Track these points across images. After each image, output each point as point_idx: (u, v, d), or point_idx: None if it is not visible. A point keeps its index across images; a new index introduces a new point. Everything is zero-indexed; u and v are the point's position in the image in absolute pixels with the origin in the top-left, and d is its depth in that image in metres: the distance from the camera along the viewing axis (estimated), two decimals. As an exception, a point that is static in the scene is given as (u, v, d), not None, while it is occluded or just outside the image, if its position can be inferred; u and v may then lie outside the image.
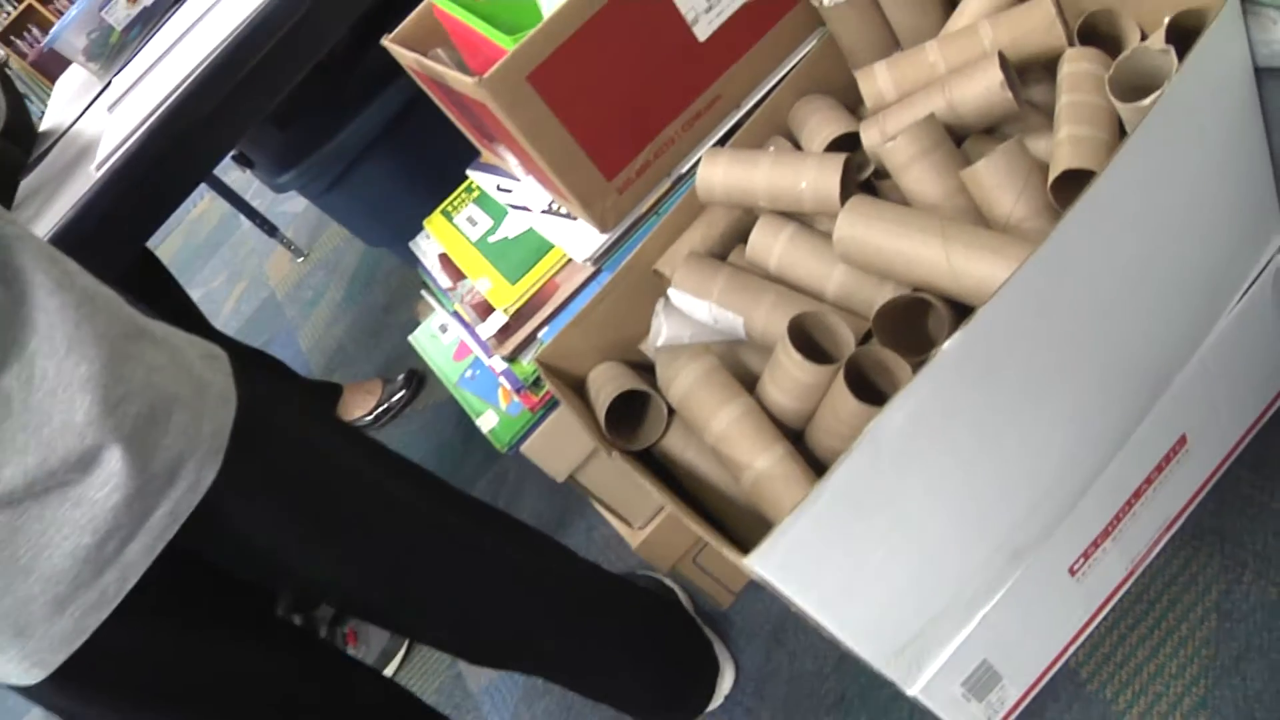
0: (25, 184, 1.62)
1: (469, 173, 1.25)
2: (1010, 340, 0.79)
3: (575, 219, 1.06)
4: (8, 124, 2.03)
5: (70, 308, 0.78)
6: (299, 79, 1.21)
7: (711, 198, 0.96)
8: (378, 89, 1.52)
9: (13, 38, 6.51)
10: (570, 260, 1.06)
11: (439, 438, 2.00)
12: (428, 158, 1.56)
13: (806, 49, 1.04)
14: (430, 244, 1.26)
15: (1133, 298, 0.88)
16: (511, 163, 1.13)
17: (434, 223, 1.25)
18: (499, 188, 1.18)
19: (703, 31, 0.97)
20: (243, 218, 2.99)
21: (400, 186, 1.61)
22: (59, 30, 1.93)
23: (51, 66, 5.32)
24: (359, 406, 2.14)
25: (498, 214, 1.18)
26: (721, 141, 1.03)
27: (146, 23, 1.92)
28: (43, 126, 2.11)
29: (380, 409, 2.12)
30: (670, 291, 0.96)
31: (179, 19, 1.63)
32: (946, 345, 0.74)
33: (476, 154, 1.27)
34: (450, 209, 1.25)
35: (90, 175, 1.16)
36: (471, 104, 0.98)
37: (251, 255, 3.34)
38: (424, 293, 1.30)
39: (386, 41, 1.11)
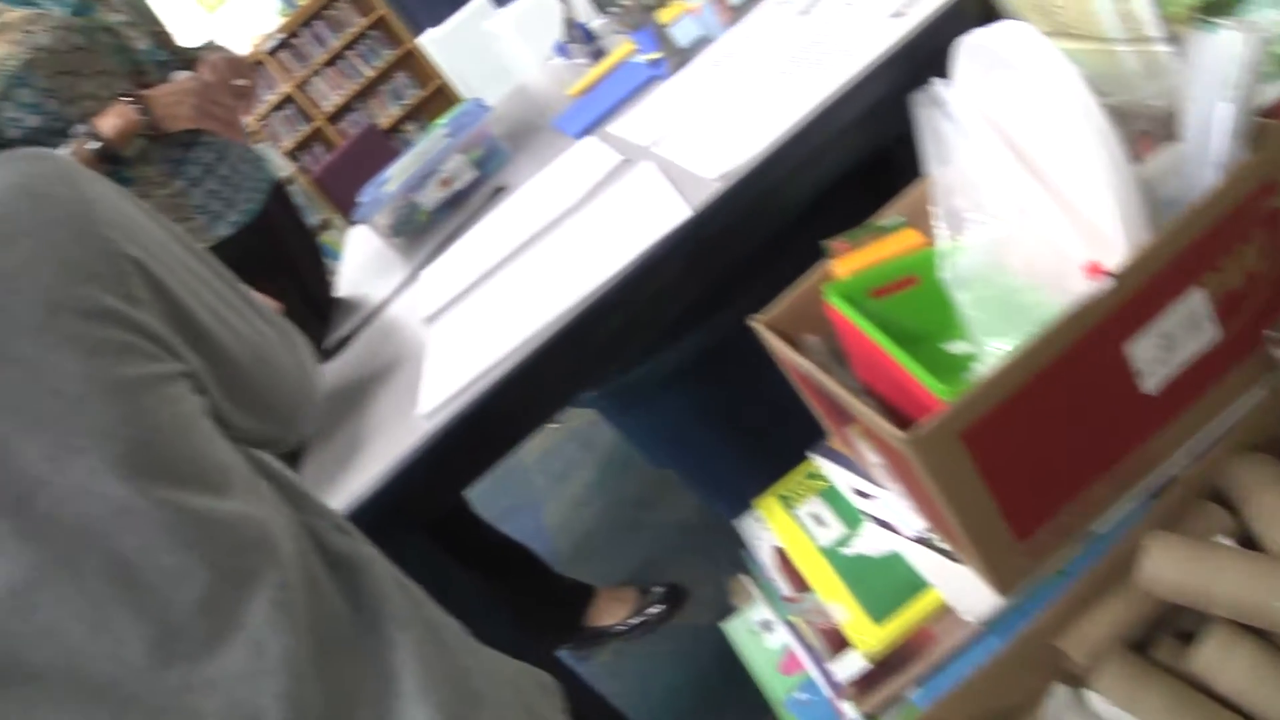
0: (334, 378, 1.60)
1: (814, 458, 1.13)
2: None
3: (959, 560, 0.91)
4: (308, 285, 2.05)
5: (419, 644, 0.70)
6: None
7: (1155, 590, 0.80)
8: (697, 320, 1.43)
9: (298, 153, 6.99)
10: (948, 607, 0.91)
11: (696, 667, 1.86)
12: (738, 398, 1.45)
13: (1250, 400, 0.88)
14: (763, 531, 1.13)
15: None
16: (870, 460, 1.00)
17: (769, 509, 1.13)
18: (856, 490, 1.05)
19: (1151, 384, 0.82)
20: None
21: (701, 422, 1.51)
22: (366, 211, 1.94)
23: (332, 186, 5.61)
24: (611, 614, 2.02)
25: (851, 519, 1.05)
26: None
27: (455, 204, 1.91)
28: (340, 289, 2.13)
29: (635, 622, 2.00)
30: (1091, 696, 0.80)
31: (501, 219, 1.60)
32: None
33: (796, 409, 1.15)
34: (790, 496, 1.12)
35: (418, 424, 1.09)
36: (881, 445, 0.85)
37: (501, 408, 3.33)
38: (744, 577, 1.17)
39: (756, 323, 1.00)
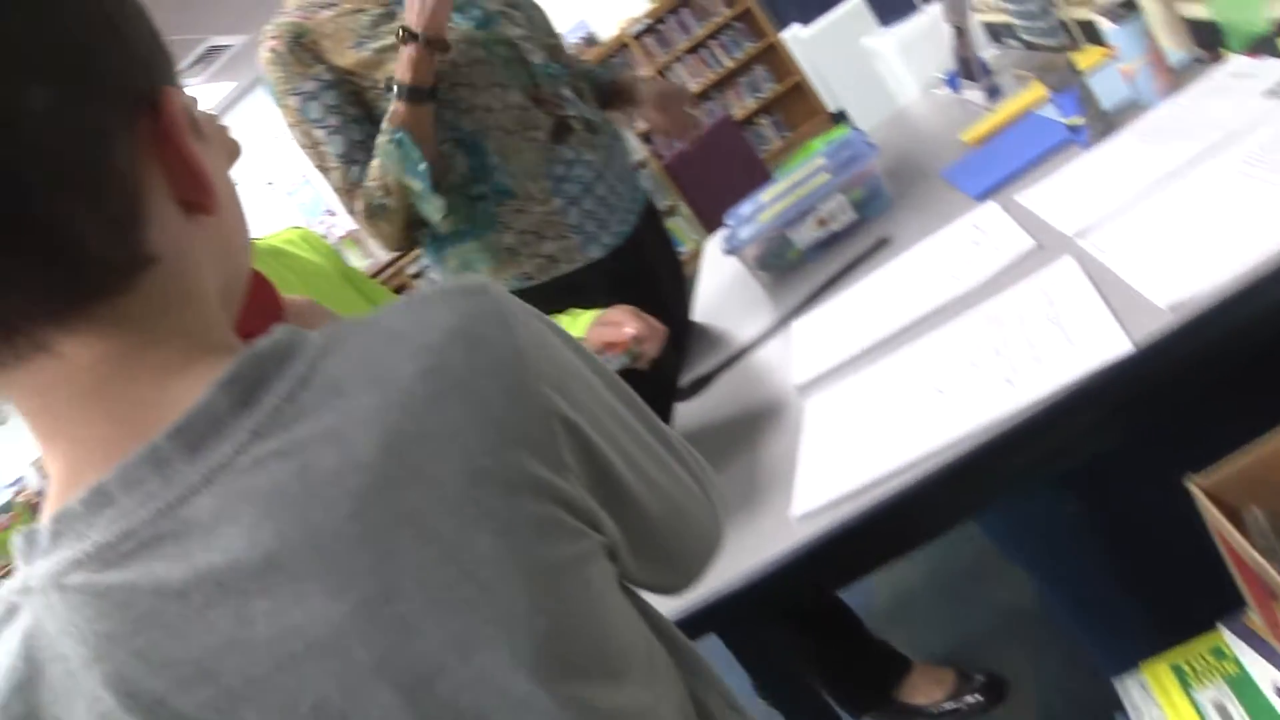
0: (690, 423, 1.56)
1: (1224, 633, 0.98)
2: None
3: None
4: (669, 309, 2.04)
5: None
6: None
7: None
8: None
9: (652, 137, 7.14)
10: None
11: (1007, 774, 1.73)
12: (1130, 521, 1.31)
13: None
14: (1149, 704, 1.00)
15: None
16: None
17: (1160, 680, 1.00)
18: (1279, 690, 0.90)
19: None
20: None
21: (1078, 534, 1.37)
22: (738, 243, 1.90)
23: (682, 174, 5.70)
24: (923, 694, 1.91)
25: (1269, 721, 0.90)
26: None
27: (829, 245, 1.85)
28: (696, 311, 2.11)
29: (949, 708, 1.88)
30: None
31: (885, 282, 1.52)
32: None
33: (1205, 557, 1.00)
34: (1188, 671, 0.98)
35: (789, 523, 1.03)
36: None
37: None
38: (1117, 740, 1.05)
39: (1193, 487, 0.87)
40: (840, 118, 6.75)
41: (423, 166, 1.58)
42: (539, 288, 1.78)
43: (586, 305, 1.56)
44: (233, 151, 1.40)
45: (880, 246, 1.65)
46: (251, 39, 7.33)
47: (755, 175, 6.80)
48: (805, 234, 1.84)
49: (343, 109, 1.63)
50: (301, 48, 1.62)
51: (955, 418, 0.99)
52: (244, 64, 7.92)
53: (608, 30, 7.86)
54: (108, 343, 0.53)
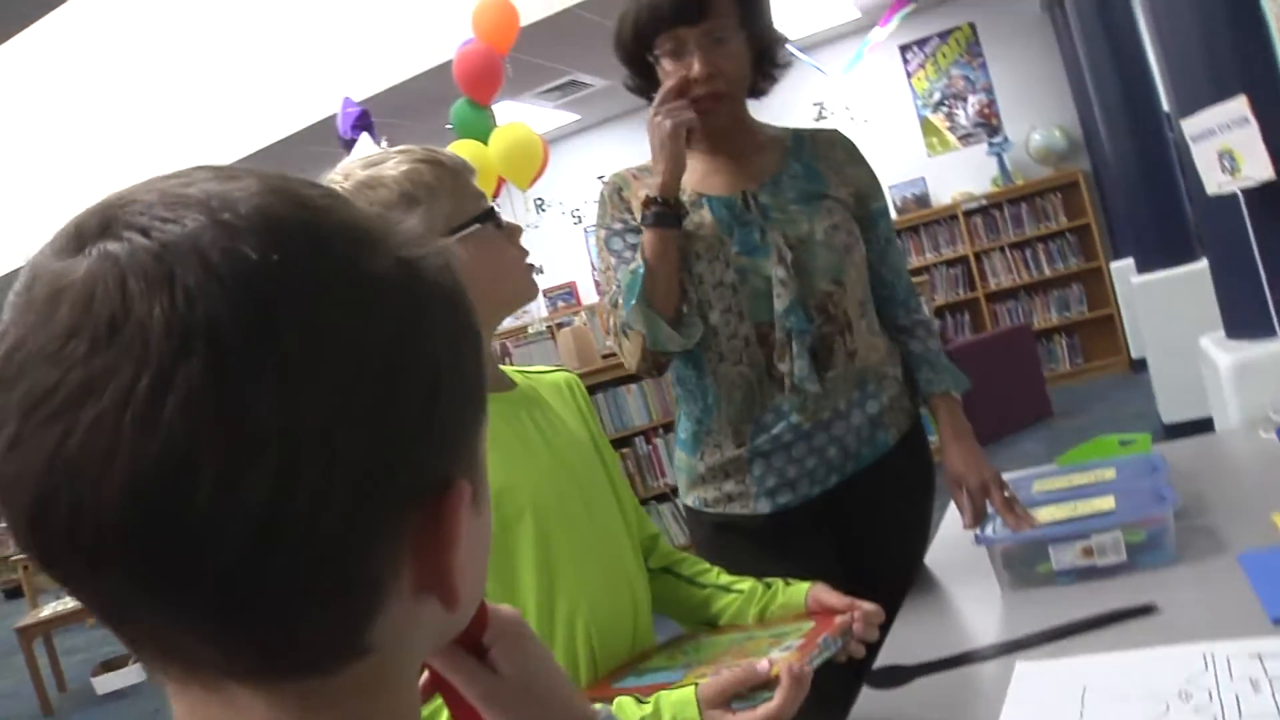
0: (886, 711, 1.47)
1: None
2: None
3: None
4: (890, 549, 1.93)
5: None
6: None
7: None
8: None
9: (944, 313, 6.99)
10: None
11: None
12: None
13: None
14: None
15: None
16: None
17: None
18: None
19: None
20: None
21: None
22: (990, 535, 1.79)
23: (958, 362, 5.55)
24: None
25: None
26: None
27: (1085, 578, 1.70)
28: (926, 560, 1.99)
29: None
30: None
31: (1139, 671, 1.38)
32: None
33: None
34: None
35: None
36: None
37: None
38: None
39: None
40: (1140, 366, 6.42)
41: (634, 302, 1.65)
42: (714, 518, 1.85)
43: (761, 551, 1.69)
44: (527, 296, 1.40)
45: (1142, 614, 1.50)
46: (610, 85, 7.68)
47: (1032, 390, 6.55)
48: (1065, 556, 1.70)
49: (638, 249, 1.72)
50: (620, 198, 1.81)
51: None
52: (594, 103, 8.31)
53: (941, 196, 7.80)
54: (284, 715, 0.49)
